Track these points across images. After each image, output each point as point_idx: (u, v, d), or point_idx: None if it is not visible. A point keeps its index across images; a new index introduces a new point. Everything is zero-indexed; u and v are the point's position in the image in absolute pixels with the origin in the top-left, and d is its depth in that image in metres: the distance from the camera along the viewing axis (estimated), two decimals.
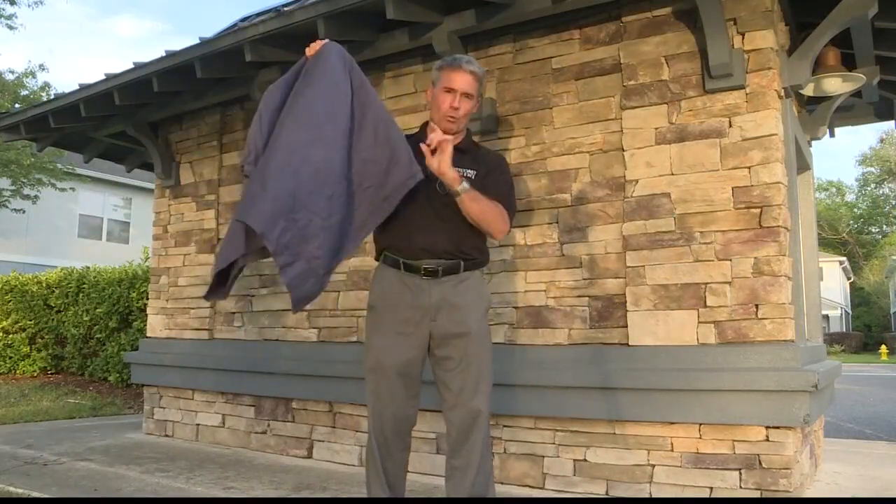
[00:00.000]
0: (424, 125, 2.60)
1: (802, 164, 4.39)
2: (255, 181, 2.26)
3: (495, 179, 2.52)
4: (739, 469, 3.09)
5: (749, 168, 3.20)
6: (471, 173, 2.46)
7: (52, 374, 9.11)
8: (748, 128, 3.22)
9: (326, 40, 2.47)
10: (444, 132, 2.45)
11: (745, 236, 3.18)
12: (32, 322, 9.20)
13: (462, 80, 2.44)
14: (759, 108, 3.20)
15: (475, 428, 2.40)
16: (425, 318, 2.41)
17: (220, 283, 2.39)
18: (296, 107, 2.33)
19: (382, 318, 2.46)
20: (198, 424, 5.03)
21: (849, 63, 4.04)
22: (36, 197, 16.56)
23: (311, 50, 2.44)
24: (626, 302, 3.42)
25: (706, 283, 3.24)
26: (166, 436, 5.19)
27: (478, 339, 2.44)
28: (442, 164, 2.32)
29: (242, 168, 2.42)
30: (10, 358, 9.21)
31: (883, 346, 29.43)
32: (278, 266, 2.19)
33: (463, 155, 2.49)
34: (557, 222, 3.66)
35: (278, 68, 4.28)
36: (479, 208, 2.38)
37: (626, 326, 3.40)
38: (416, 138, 2.52)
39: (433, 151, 2.34)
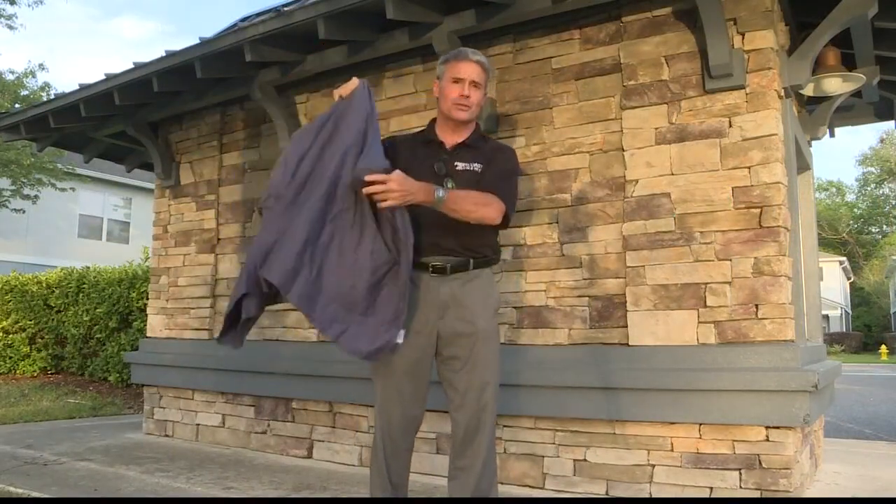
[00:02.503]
0: (432, 122, 2.58)
1: (802, 164, 4.39)
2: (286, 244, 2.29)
3: (494, 166, 2.47)
4: (739, 469, 3.09)
5: (749, 168, 3.20)
6: (478, 167, 2.46)
7: (52, 374, 9.10)
8: (748, 128, 3.22)
9: (356, 82, 2.43)
10: (455, 120, 2.44)
11: (745, 236, 3.18)
12: (32, 322, 9.20)
13: (470, 69, 2.42)
14: (759, 108, 3.20)
15: (481, 429, 2.39)
16: (434, 315, 2.40)
17: (232, 326, 2.54)
18: (321, 174, 2.34)
19: None
20: (198, 424, 5.03)
21: (849, 63, 4.04)
22: (36, 197, 16.55)
23: (344, 90, 2.42)
24: (626, 302, 3.42)
25: (706, 283, 3.24)
26: (166, 436, 5.19)
27: (485, 338, 2.41)
28: (403, 197, 2.22)
29: (259, 209, 2.46)
30: (10, 358, 9.21)
31: (883, 346, 29.43)
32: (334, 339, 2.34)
33: (470, 150, 2.48)
34: (557, 222, 3.66)
35: (278, 68, 4.29)
36: (462, 209, 2.31)
37: (626, 326, 3.40)
38: (423, 136, 2.53)
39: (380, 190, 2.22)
